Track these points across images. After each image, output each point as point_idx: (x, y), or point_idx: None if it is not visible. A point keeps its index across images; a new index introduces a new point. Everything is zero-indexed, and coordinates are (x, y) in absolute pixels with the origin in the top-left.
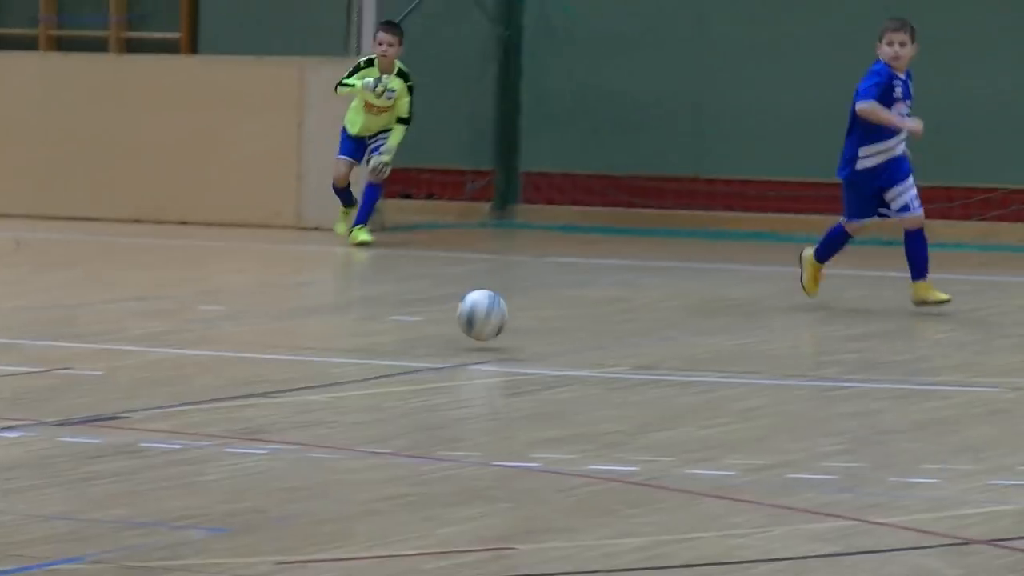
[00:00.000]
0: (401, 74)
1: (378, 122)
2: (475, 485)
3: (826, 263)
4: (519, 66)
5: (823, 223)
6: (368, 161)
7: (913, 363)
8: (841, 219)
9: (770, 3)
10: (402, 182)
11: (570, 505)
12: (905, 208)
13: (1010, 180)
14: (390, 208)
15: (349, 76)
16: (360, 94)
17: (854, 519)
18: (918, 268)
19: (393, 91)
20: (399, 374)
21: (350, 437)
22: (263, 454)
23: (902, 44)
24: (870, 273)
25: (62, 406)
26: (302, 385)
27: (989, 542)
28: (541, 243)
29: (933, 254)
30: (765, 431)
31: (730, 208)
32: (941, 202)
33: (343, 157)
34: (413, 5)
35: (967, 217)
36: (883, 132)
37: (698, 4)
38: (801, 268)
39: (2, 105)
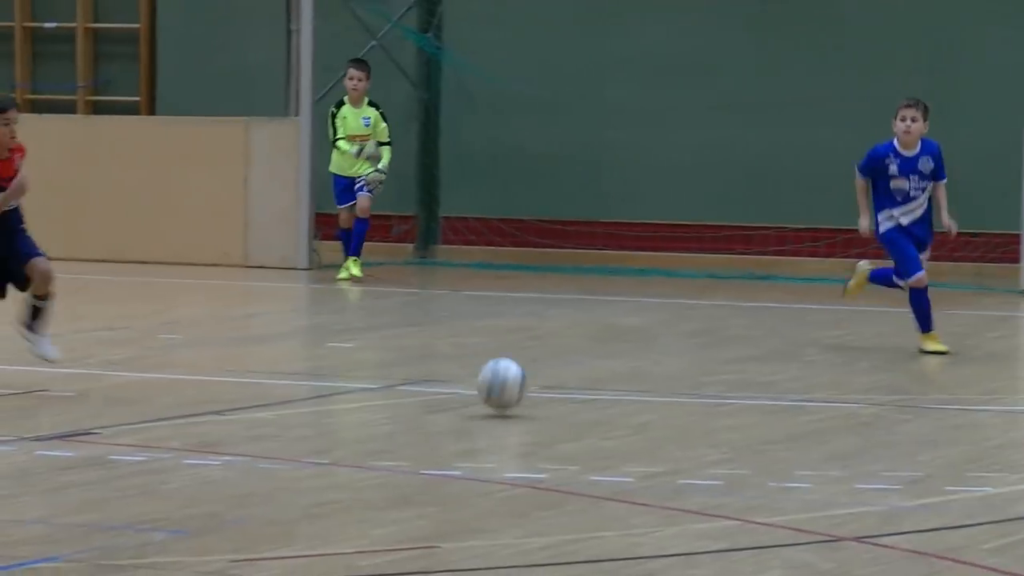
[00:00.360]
0: (371, 104)
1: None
2: (404, 491)
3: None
4: (438, 125)
5: (705, 260)
6: (360, 186)
7: (786, 383)
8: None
9: (658, 71)
10: (336, 225)
11: (488, 508)
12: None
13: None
14: (325, 248)
15: (333, 132)
16: (342, 134)
17: (737, 519)
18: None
19: (368, 118)
20: (337, 394)
21: (294, 449)
22: (217, 465)
23: (913, 120)
24: (750, 304)
25: (38, 423)
26: (251, 404)
27: (856, 539)
28: (458, 279)
29: (803, 288)
30: (658, 442)
31: (624, 248)
32: (810, 242)
33: (344, 206)
34: (344, 72)
35: (832, 255)
36: (889, 201)
37: (595, 71)
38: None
39: None
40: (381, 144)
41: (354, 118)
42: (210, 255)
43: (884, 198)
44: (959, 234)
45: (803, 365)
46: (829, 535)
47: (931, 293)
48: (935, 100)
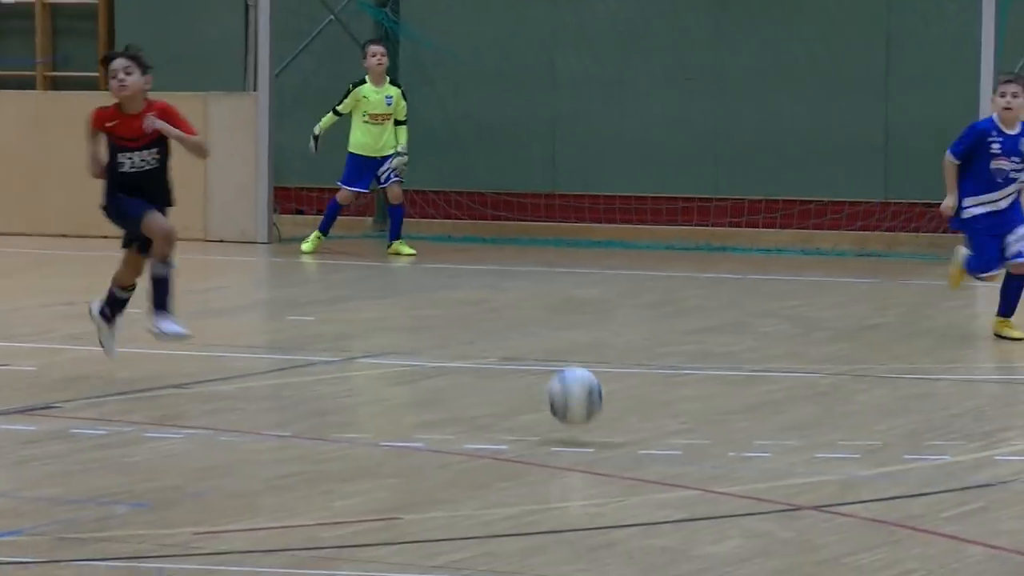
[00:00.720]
0: (393, 82)
1: (381, 133)
2: (365, 463)
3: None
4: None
5: (662, 232)
6: (387, 175)
7: (744, 353)
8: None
9: (614, 44)
10: (296, 200)
11: (449, 479)
12: (1017, 255)
13: (824, 194)
14: (285, 223)
15: (340, 103)
16: (358, 110)
17: (697, 489)
18: (1007, 306)
19: (391, 97)
20: (297, 367)
21: (255, 422)
22: (179, 438)
23: (1014, 95)
24: (708, 275)
25: (0, 398)
26: (211, 377)
27: (815, 508)
28: (417, 252)
29: (760, 259)
30: (618, 413)
31: (581, 220)
32: (766, 213)
33: (351, 189)
34: (303, 46)
35: (788, 226)
36: (982, 185)
37: (551, 43)
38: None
39: None
40: (398, 123)
41: (377, 97)
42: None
43: (978, 182)
44: (915, 204)
45: (761, 336)
46: (788, 504)
47: (888, 263)
48: (892, 72)
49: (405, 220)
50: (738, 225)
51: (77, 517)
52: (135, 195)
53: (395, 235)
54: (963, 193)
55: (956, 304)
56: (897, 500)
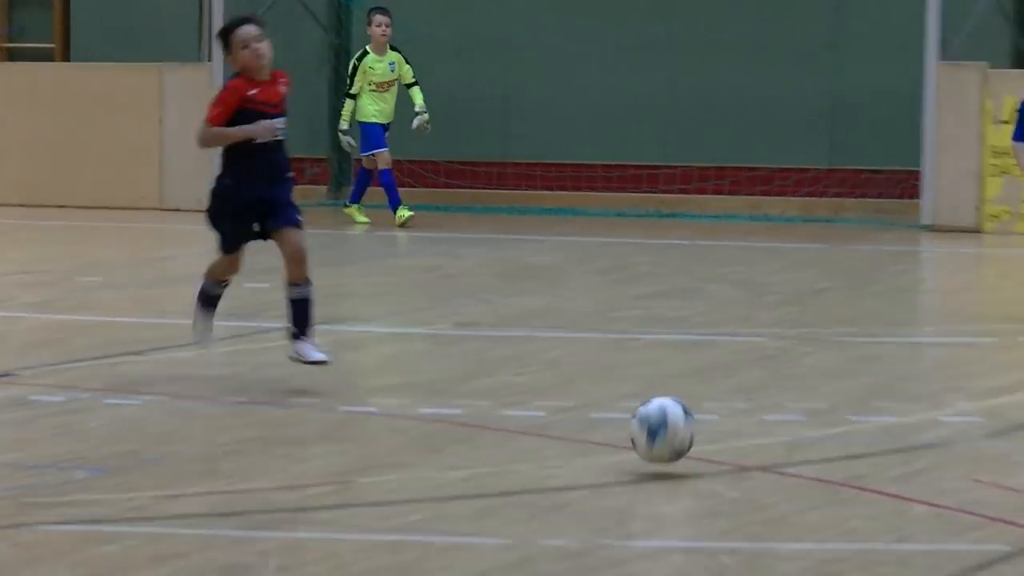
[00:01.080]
0: (393, 48)
1: (389, 99)
2: (321, 428)
3: None
4: (349, 68)
5: (612, 199)
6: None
7: (693, 317)
8: None
9: (563, 15)
10: None
11: (403, 443)
12: None
13: (772, 161)
14: None
15: (350, 84)
16: (365, 82)
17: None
18: None
19: (393, 63)
20: (253, 333)
21: (213, 388)
22: (137, 404)
23: None
24: (657, 241)
25: None
26: (169, 344)
27: (763, 468)
28: (371, 220)
29: (708, 225)
30: (569, 377)
31: (533, 188)
32: (715, 180)
33: (383, 150)
34: (264, 9)
35: (737, 192)
36: None
37: (503, 15)
38: None
39: None
40: (409, 85)
41: (381, 65)
42: (127, 198)
43: None
44: (861, 171)
45: (710, 300)
46: (736, 465)
47: (835, 229)
48: (837, 41)
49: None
50: (687, 192)
51: (38, 482)
52: (259, 170)
53: (396, 202)
54: None
55: (902, 268)
56: (843, 460)
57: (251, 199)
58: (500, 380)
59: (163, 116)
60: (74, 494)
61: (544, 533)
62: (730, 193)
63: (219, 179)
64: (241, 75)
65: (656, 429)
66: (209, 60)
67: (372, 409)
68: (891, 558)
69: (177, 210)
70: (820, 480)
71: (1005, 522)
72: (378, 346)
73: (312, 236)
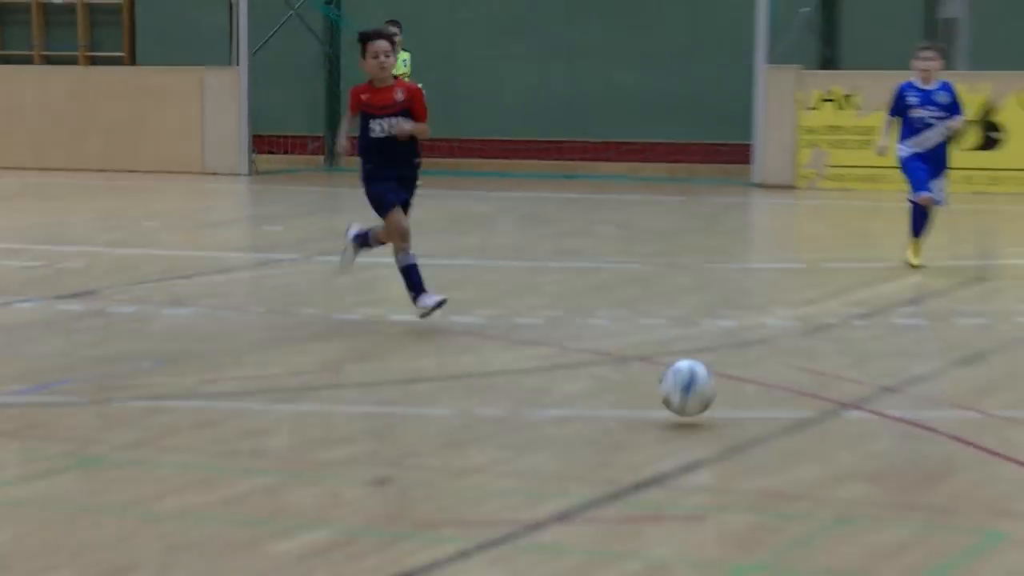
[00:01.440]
0: (404, 49)
1: None
2: (319, 330)
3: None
4: (339, 70)
5: (530, 165)
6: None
7: (587, 250)
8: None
9: (496, 30)
10: (269, 144)
11: (380, 341)
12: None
13: (647, 137)
14: (260, 160)
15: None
16: None
17: (556, 346)
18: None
19: (406, 60)
20: (270, 263)
21: (241, 302)
22: (187, 314)
23: (930, 59)
24: (562, 195)
25: (56, 287)
26: (210, 271)
27: (639, 358)
28: (356, 182)
29: (600, 183)
30: (499, 294)
31: (472, 156)
32: (605, 151)
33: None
34: (272, 32)
35: (620, 160)
36: (907, 131)
37: (452, 31)
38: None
39: (4, 102)
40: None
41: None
42: (177, 165)
43: (907, 128)
44: (711, 144)
45: (599, 238)
46: (620, 356)
47: (692, 186)
48: (692, 47)
49: (348, 158)
50: (584, 160)
51: (115, 371)
52: (386, 157)
53: None
54: (901, 139)
55: (739, 214)
56: (696, 352)
57: (389, 175)
58: (450, 295)
59: (204, 105)
60: (140, 379)
61: (481, 405)
62: (615, 160)
63: (363, 166)
64: (369, 81)
65: (688, 386)
66: (238, 64)
67: (356, 316)
68: (731, 422)
69: (215, 173)
70: None
71: (812, 396)
72: (361, 271)
73: (312, 193)
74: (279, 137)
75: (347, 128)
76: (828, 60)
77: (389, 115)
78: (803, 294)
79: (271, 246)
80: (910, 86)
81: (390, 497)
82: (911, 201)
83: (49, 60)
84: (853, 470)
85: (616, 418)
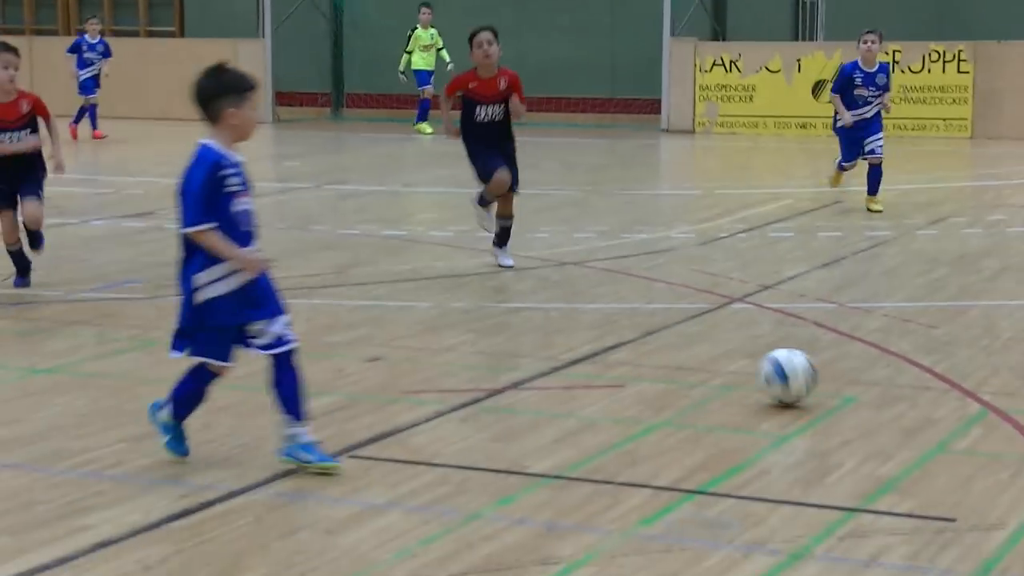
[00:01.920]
0: (432, 26)
1: (431, 56)
2: (326, 242)
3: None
4: (341, 39)
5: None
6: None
7: (534, 181)
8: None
9: (459, 10)
10: (288, 99)
11: (373, 251)
12: (872, 152)
13: (580, 93)
14: (283, 111)
15: (407, 43)
16: (416, 46)
17: (511, 254)
18: (872, 188)
19: (433, 33)
20: (289, 191)
21: (267, 220)
22: None
23: (873, 43)
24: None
25: (123, 208)
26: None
27: (574, 263)
28: (357, 128)
29: (543, 130)
30: (466, 214)
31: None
32: (547, 104)
33: (425, 87)
34: (291, 11)
35: (559, 111)
36: (848, 105)
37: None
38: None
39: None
40: (439, 49)
41: (425, 35)
42: None
43: (846, 103)
44: (630, 99)
45: (542, 171)
46: (559, 261)
47: (615, 131)
48: (615, 22)
49: (349, 109)
50: (531, 111)
51: (167, 273)
52: (488, 140)
53: (422, 118)
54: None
55: (650, 153)
56: (618, 259)
57: (492, 151)
58: (429, 216)
59: (238, 64)
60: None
61: (453, 300)
62: (556, 111)
63: (469, 146)
64: (472, 69)
65: (790, 373)
66: (263, 36)
67: (357, 231)
68: (645, 312)
69: None
70: (605, 270)
71: (707, 292)
72: (354, 198)
73: (322, 138)
74: (296, 93)
75: (448, 110)
76: (718, 33)
77: (495, 102)
78: (699, 214)
79: (290, 177)
80: (855, 67)
81: (382, 370)
82: (841, 165)
83: (116, 33)
84: (738, 349)
85: (556, 309)
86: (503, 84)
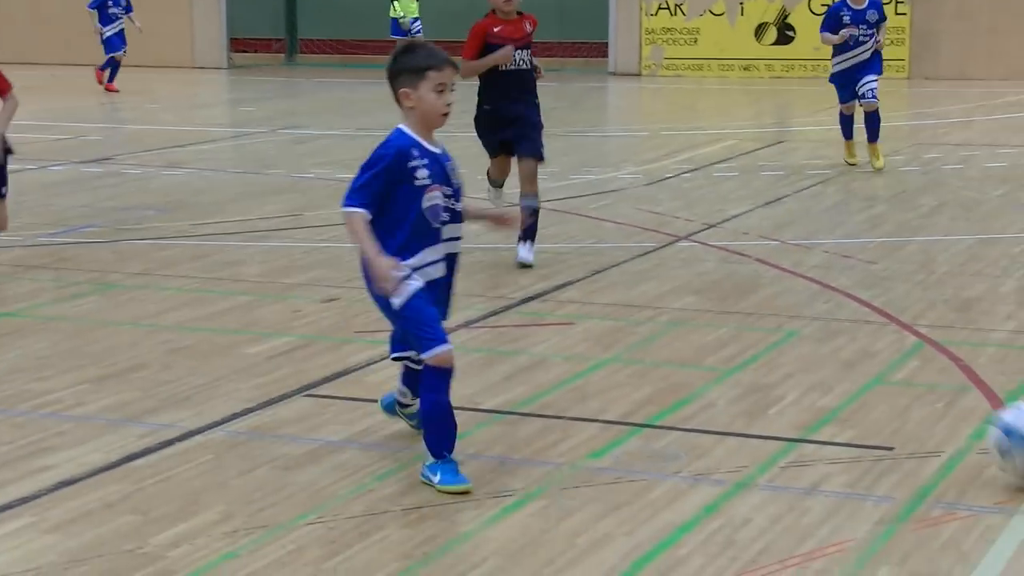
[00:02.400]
0: None
1: (414, 4)
2: (281, 186)
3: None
4: None
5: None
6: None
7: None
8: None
9: None
10: (243, 45)
11: (328, 194)
12: (863, 96)
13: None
14: (237, 57)
15: None
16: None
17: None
18: (872, 134)
19: None
20: (246, 135)
21: (223, 164)
22: (180, 173)
23: None
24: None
25: (81, 154)
26: (199, 140)
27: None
28: (311, 73)
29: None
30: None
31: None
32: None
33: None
34: None
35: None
36: (840, 47)
37: None
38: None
39: (40, 12)
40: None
41: None
42: (174, 61)
43: (839, 45)
44: (578, 42)
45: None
46: (510, 202)
47: (564, 75)
48: None
49: (303, 55)
50: None
51: (124, 217)
52: (513, 90)
53: None
54: (833, 55)
55: (599, 96)
56: (567, 200)
57: (507, 116)
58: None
59: (193, 14)
60: (145, 223)
61: None
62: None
63: (479, 106)
64: (490, 15)
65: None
66: None
67: (311, 175)
68: (593, 250)
69: (202, 67)
70: (555, 211)
71: (653, 231)
72: (311, 141)
73: (277, 83)
74: (251, 39)
75: (478, 63)
76: None
77: (523, 47)
78: (646, 155)
79: (245, 122)
80: (843, 5)
81: (337, 311)
82: (844, 124)
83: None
84: (684, 286)
85: (507, 249)
86: (528, 27)
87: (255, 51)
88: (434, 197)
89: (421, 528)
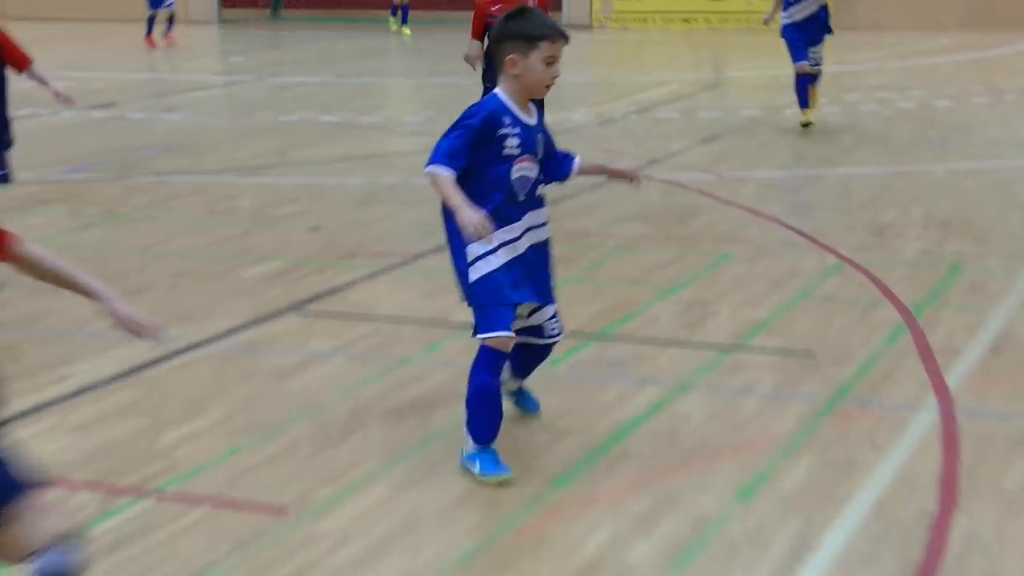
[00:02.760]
0: None
1: None
2: (270, 127)
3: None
4: None
5: (417, 15)
6: None
7: (449, 72)
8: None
9: None
10: (232, 1)
11: (311, 137)
12: (816, 63)
13: None
14: (227, 12)
15: None
16: None
17: (431, 135)
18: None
19: None
20: (234, 84)
21: (216, 109)
22: (179, 118)
23: None
24: (434, 36)
25: (88, 100)
26: (193, 88)
27: None
28: (295, 26)
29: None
30: (392, 100)
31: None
32: (451, 14)
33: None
34: None
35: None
36: (787, 2)
37: None
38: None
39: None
40: None
41: None
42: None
43: (787, 1)
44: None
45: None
46: None
47: None
48: None
49: (287, 11)
50: (436, 7)
51: (130, 157)
52: None
53: (404, 21)
54: (783, 8)
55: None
56: None
57: None
58: (360, 103)
59: None
60: (149, 162)
61: (383, 177)
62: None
63: (485, 83)
64: None
65: None
66: None
67: (295, 117)
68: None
69: (195, 21)
70: None
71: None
72: (298, 88)
73: (263, 36)
74: None
75: (479, 43)
76: None
77: None
78: (596, 99)
79: (235, 71)
80: None
81: (321, 239)
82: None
83: None
84: (632, 214)
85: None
86: (532, 4)
87: (244, 6)
88: (523, 168)
89: (400, 427)
